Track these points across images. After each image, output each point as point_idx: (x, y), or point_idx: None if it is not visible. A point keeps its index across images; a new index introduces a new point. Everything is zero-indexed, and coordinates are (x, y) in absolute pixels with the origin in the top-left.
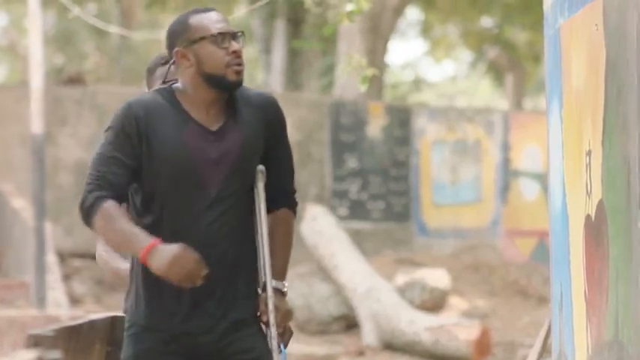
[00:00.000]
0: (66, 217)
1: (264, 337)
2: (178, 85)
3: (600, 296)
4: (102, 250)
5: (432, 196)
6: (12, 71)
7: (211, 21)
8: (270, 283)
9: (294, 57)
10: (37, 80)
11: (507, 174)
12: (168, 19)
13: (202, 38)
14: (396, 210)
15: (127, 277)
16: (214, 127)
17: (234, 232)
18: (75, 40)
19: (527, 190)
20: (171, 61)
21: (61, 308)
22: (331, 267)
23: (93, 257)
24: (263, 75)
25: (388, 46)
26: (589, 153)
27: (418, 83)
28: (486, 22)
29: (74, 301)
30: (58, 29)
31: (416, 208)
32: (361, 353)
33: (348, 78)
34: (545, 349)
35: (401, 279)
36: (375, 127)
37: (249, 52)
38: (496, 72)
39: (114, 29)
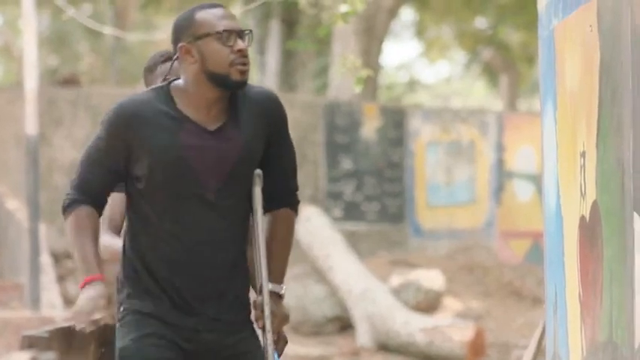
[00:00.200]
0: (60, 219)
1: (258, 341)
2: (178, 82)
3: (594, 297)
4: (105, 241)
5: (426, 197)
6: (6, 72)
7: (217, 17)
8: (267, 288)
9: (288, 58)
10: (31, 81)
11: (502, 175)
12: (162, 21)
13: (207, 35)
14: (390, 211)
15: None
16: (212, 127)
17: (233, 234)
18: (69, 41)
19: (521, 191)
20: (175, 56)
21: (55, 309)
22: (326, 268)
23: None
24: (257, 76)
25: (382, 47)
26: (583, 154)
27: (412, 84)
28: (480, 23)
29: (68, 302)
30: (52, 30)
31: (410, 209)
32: (356, 354)
33: (343, 79)
34: (539, 350)
35: (395, 280)
36: (370, 128)
37: None
38: (490, 73)
39: (108, 30)
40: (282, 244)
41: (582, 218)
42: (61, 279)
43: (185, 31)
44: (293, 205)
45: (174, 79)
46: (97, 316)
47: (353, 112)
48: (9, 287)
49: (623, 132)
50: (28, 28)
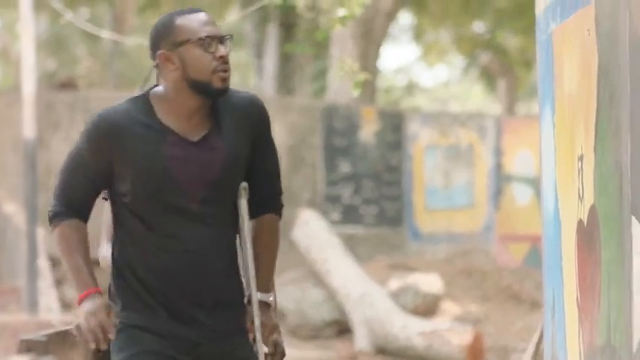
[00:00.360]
0: None
1: (253, 348)
2: (157, 89)
3: (592, 301)
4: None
5: (424, 200)
6: (4, 76)
7: (199, 23)
8: (256, 298)
9: (286, 62)
10: (29, 85)
11: (500, 179)
12: None
13: (188, 41)
14: (388, 215)
15: None
16: (195, 138)
17: (221, 243)
18: (67, 44)
19: (519, 195)
20: (154, 63)
21: (52, 313)
22: (324, 272)
23: None
24: (255, 79)
25: (381, 50)
26: (581, 158)
27: (411, 88)
28: (479, 27)
29: (66, 306)
30: (50, 34)
31: (409, 212)
32: (354, 358)
33: (341, 83)
34: (537, 354)
35: (394, 284)
36: (368, 131)
37: (241, 56)
38: (488, 77)
39: (106, 34)
40: (268, 251)
41: (580, 222)
42: (58, 282)
43: (165, 37)
44: (277, 209)
45: (154, 86)
46: (108, 330)
47: (351, 115)
48: (6, 291)
49: (620, 135)
50: (25, 32)
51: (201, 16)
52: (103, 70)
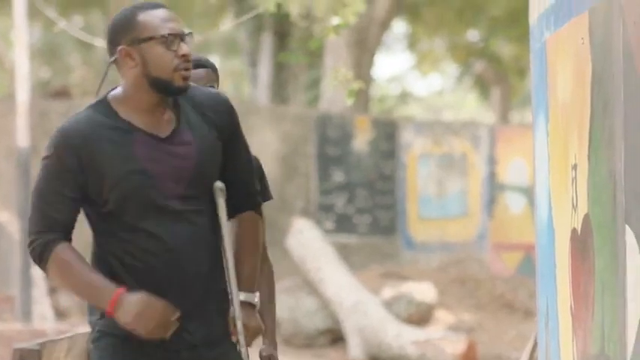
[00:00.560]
0: None
1: (239, 353)
2: (115, 91)
3: (586, 310)
4: None
5: (418, 209)
6: None
7: (161, 20)
8: (238, 300)
9: (280, 70)
10: (23, 94)
11: (493, 188)
12: None
13: (151, 38)
14: (382, 224)
15: None
16: (164, 134)
17: (204, 243)
18: (61, 53)
19: (513, 203)
20: (112, 59)
21: (46, 322)
22: (317, 281)
23: None
24: (249, 88)
25: (374, 59)
26: (575, 167)
27: (404, 97)
28: (473, 35)
29: (60, 314)
30: (44, 42)
31: (402, 221)
32: None
33: (335, 91)
34: None
35: (387, 293)
36: (362, 140)
37: (235, 65)
38: (482, 86)
39: (100, 42)
40: (250, 249)
41: (574, 231)
42: (52, 291)
43: (125, 33)
44: (256, 207)
45: (111, 90)
46: (171, 313)
47: (345, 124)
48: (0, 299)
49: (614, 144)
50: (19, 40)
51: (164, 12)
52: (97, 79)
